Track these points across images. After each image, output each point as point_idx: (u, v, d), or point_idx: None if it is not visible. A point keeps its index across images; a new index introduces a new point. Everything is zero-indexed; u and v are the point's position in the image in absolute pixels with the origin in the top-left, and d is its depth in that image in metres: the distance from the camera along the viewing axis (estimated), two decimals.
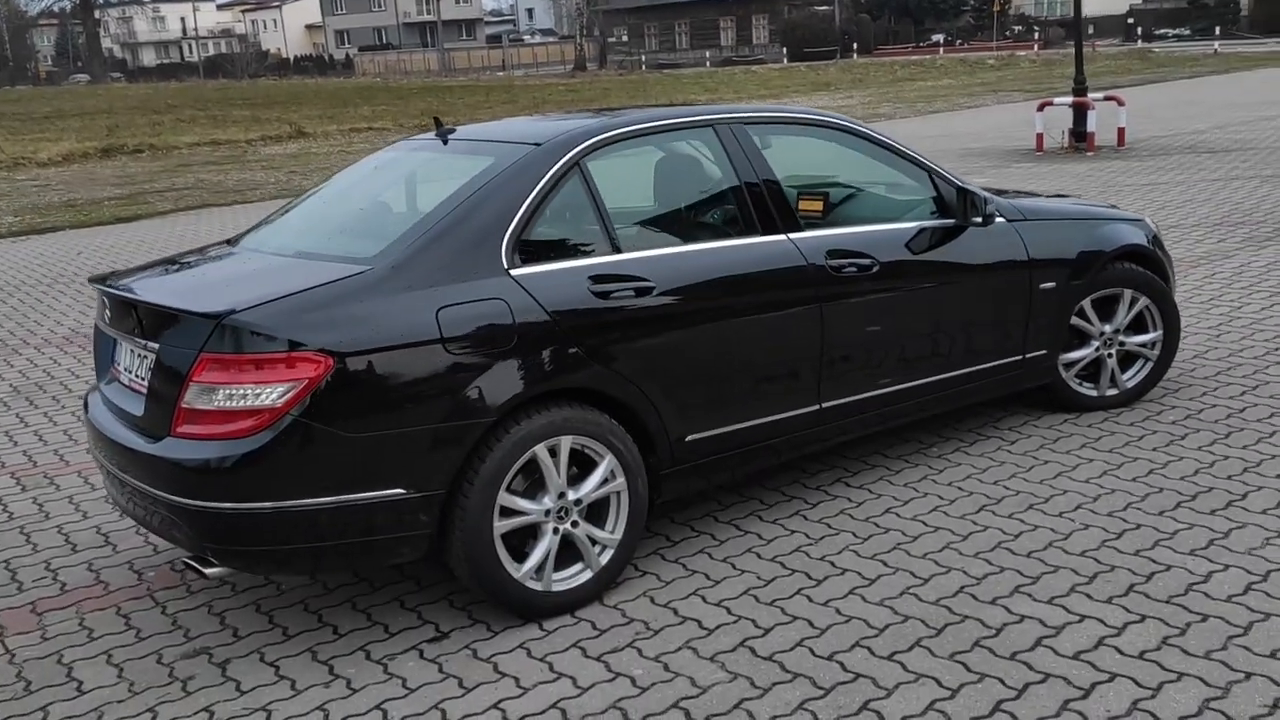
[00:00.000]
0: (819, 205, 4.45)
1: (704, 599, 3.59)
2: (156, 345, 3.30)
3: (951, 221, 4.38)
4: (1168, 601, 3.33)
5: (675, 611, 3.52)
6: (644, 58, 67.68)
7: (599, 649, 3.33)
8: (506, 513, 3.38)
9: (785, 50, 59.50)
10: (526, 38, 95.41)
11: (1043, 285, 4.58)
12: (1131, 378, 5.00)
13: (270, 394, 3.07)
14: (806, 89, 36.88)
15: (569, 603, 3.53)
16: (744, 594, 3.60)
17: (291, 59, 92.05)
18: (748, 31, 68.32)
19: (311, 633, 3.55)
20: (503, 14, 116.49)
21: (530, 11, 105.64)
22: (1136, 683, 2.94)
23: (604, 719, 2.99)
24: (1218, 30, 46.76)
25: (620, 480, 3.58)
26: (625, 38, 73.86)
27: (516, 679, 3.20)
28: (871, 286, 4.09)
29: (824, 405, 4.04)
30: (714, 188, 4.05)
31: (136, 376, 3.45)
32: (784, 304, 3.89)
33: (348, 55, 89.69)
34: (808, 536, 3.97)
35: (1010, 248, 4.49)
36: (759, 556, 3.85)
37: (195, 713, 3.15)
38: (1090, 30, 58.83)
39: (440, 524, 3.31)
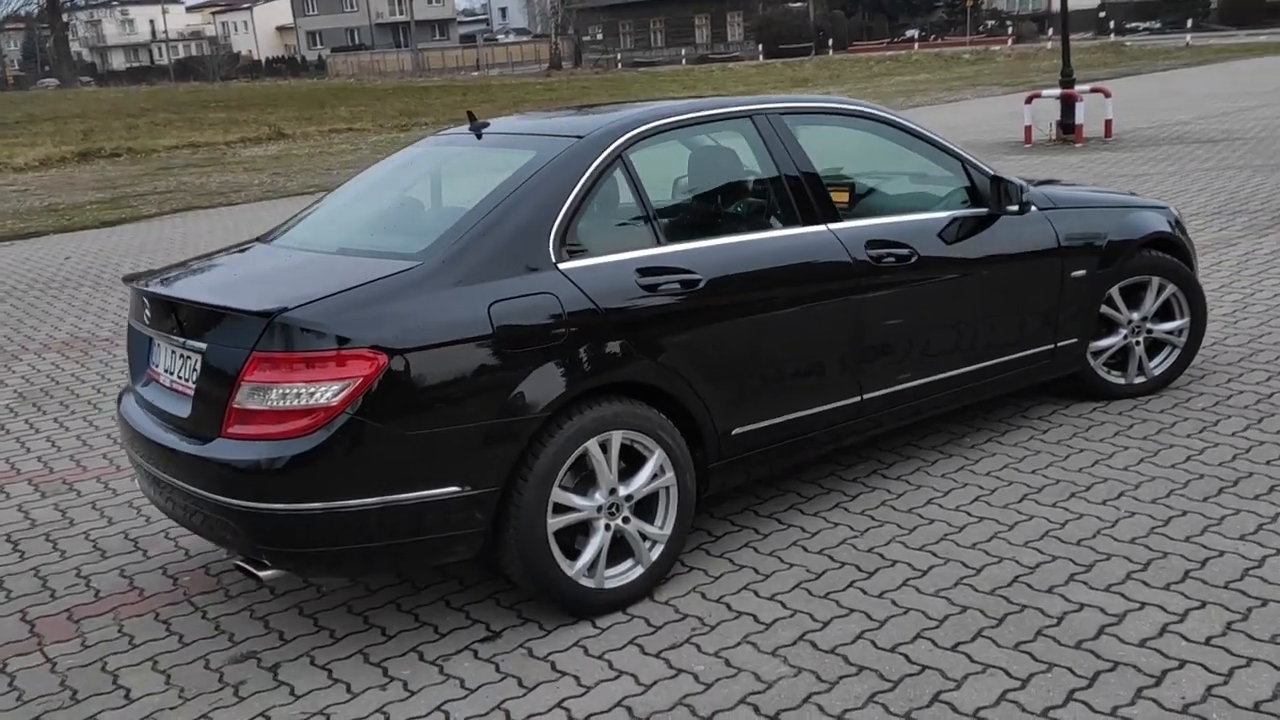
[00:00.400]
0: (846, 196, 4.42)
1: (756, 593, 3.55)
2: (203, 345, 3.23)
3: (985, 211, 4.37)
4: (1225, 587, 3.33)
5: (729, 606, 3.49)
6: (619, 56, 67.64)
7: (657, 645, 3.29)
8: (560, 509, 3.34)
9: (761, 47, 59.56)
10: (500, 37, 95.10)
11: (1074, 273, 4.58)
12: (1159, 365, 5.01)
13: (325, 392, 3.02)
14: (785, 85, 36.96)
15: (621, 599, 3.50)
16: (796, 587, 3.57)
17: (263, 61, 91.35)
18: (722, 29, 68.40)
19: (360, 635, 3.49)
20: (475, 14, 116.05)
21: (504, 11, 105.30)
22: (1207, 669, 2.93)
23: (672, 716, 2.95)
24: (1189, 23, 47.16)
25: (669, 475, 3.54)
26: (600, 36, 73.80)
27: (577, 677, 3.16)
28: (910, 276, 4.07)
29: (865, 397, 4.02)
30: (753, 179, 4.02)
31: (180, 378, 3.39)
32: (825, 295, 3.87)
33: (320, 56, 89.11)
34: (852, 529, 3.95)
35: (1042, 236, 4.48)
36: (805, 550, 3.82)
37: (252, 718, 3.09)
38: (1060, 26, 59.28)
39: (494, 522, 3.27)
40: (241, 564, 3.22)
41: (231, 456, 3.10)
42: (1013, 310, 4.42)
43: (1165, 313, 4.96)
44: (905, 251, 4.05)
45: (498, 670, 3.23)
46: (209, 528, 3.27)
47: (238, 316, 3.15)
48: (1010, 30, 56.36)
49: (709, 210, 4.04)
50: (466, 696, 3.11)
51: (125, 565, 4.14)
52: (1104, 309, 4.79)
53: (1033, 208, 4.43)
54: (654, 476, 3.51)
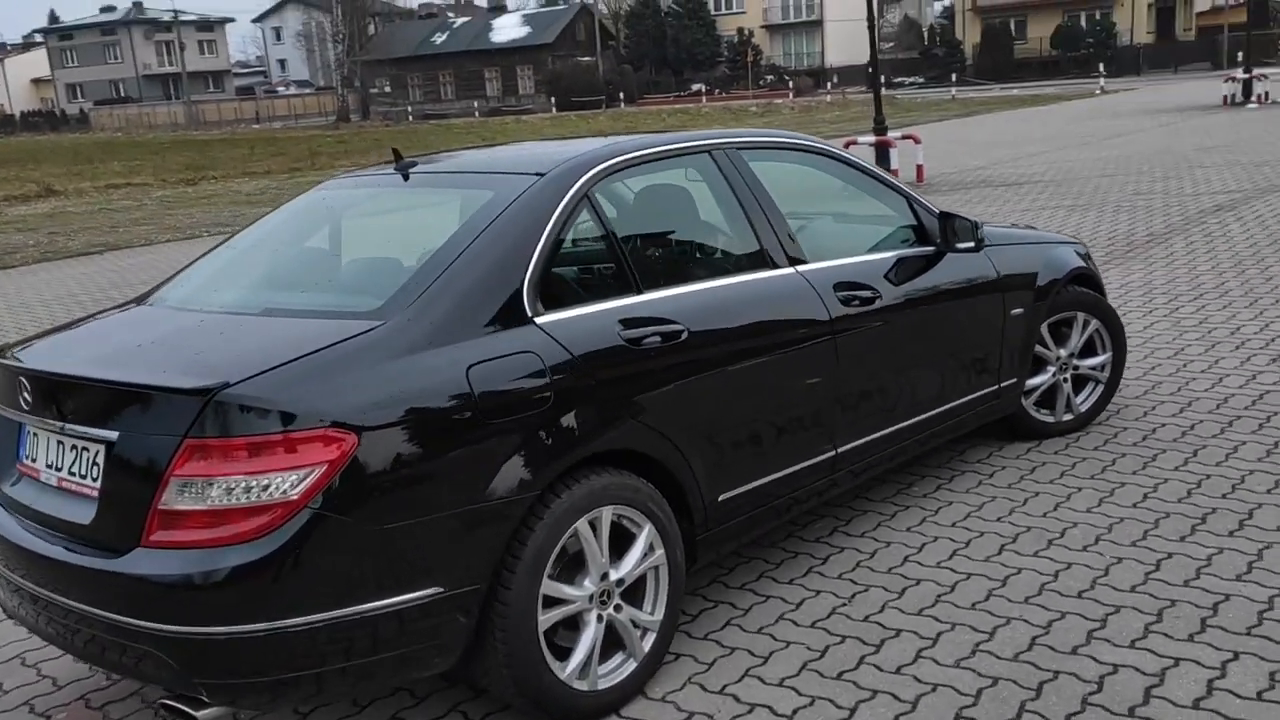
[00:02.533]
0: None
1: (761, 680, 3.17)
2: (110, 434, 2.61)
3: (934, 249, 4.19)
4: (1249, 634, 3.18)
5: (737, 699, 3.09)
6: (410, 108, 66.66)
7: None
8: (550, 603, 2.87)
9: (553, 100, 59.92)
10: (281, 89, 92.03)
11: (1013, 311, 4.46)
12: (1084, 401, 4.96)
13: (282, 484, 2.46)
14: (582, 135, 37.10)
15: (615, 701, 3.04)
16: (803, 669, 3.20)
17: (17, 115, 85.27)
18: (513, 82, 68.57)
19: None
20: (251, 65, 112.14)
21: (283, 63, 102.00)
22: None
23: None
24: (954, 77, 50.36)
25: (660, 553, 3.13)
26: (388, 88, 72.60)
27: None
28: (875, 320, 3.82)
29: (839, 450, 3.73)
30: (718, 218, 3.69)
31: (72, 474, 2.73)
32: (802, 342, 3.56)
33: (82, 110, 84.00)
34: (837, 595, 3.63)
35: (987, 273, 4.34)
36: (796, 624, 3.47)
37: None
38: (835, 79, 62.43)
39: (477, 624, 2.76)
40: (171, 703, 2.58)
41: (156, 571, 2.49)
42: (966, 351, 4.25)
43: (1088, 349, 4.92)
44: (869, 294, 3.80)
45: None
46: (120, 658, 2.62)
47: (161, 396, 2.55)
48: (790, 85, 58.73)
49: (681, 253, 3.68)
50: None
51: None
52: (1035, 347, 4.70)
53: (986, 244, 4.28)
54: (644, 555, 3.09)
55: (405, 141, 39.64)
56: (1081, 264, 4.87)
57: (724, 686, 3.15)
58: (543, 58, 66.80)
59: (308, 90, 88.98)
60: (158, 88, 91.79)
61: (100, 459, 2.65)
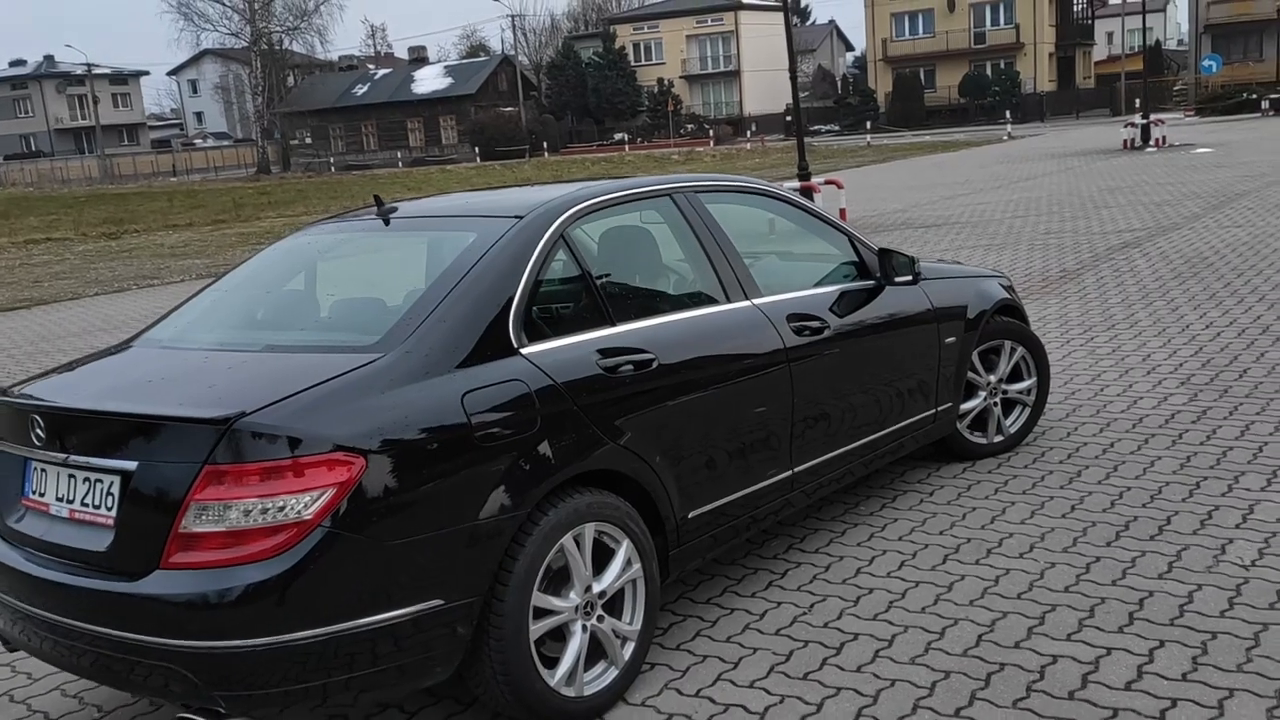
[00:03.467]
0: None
1: (733, 682, 3.40)
2: (125, 464, 2.77)
3: (874, 283, 4.51)
4: (1172, 624, 3.50)
5: (712, 700, 3.31)
6: (332, 159, 66.43)
7: None
8: (540, 614, 3.08)
9: (478, 150, 60.26)
10: (199, 142, 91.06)
11: (947, 340, 4.80)
12: (1013, 423, 5.31)
13: (296, 505, 2.65)
14: (510, 184, 37.37)
15: (599, 706, 3.25)
16: (771, 672, 3.45)
17: None
18: (436, 132, 68.82)
19: None
20: (167, 118, 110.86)
21: (199, 115, 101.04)
22: (1198, 704, 3.05)
23: None
24: (869, 125, 51.85)
25: (636, 566, 3.36)
26: (309, 139, 72.34)
27: None
28: (824, 348, 4.12)
29: (795, 470, 4.00)
30: (681, 256, 3.97)
31: (85, 505, 2.88)
32: (761, 369, 3.84)
33: None
34: (797, 605, 3.88)
35: (922, 305, 4.67)
36: (761, 633, 3.71)
37: None
38: (754, 128, 63.79)
39: (474, 635, 2.96)
40: (189, 717, 2.73)
41: (177, 590, 2.65)
42: (906, 377, 4.57)
43: (1015, 375, 5.29)
44: (818, 324, 4.10)
45: None
46: (140, 677, 2.77)
47: (180, 426, 2.73)
48: (710, 133, 59.88)
49: (648, 288, 3.94)
50: None
51: None
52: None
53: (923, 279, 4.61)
54: (624, 569, 3.32)
55: (330, 192, 39.59)
56: (1007, 296, 5.24)
57: (699, 690, 3.38)
58: (465, 108, 67.24)
59: (226, 142, 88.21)
60: (70, 141, 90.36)
61: (115, 489, 2.80)
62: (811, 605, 3.88)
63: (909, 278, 4.51)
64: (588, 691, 3.21)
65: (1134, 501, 4.53)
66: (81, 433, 2.90)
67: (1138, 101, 33.31)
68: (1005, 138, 41.69)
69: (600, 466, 3.25)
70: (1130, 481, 4.76)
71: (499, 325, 3.16)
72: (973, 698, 3.19)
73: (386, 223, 3.79)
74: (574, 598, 3.17)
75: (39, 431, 2.95)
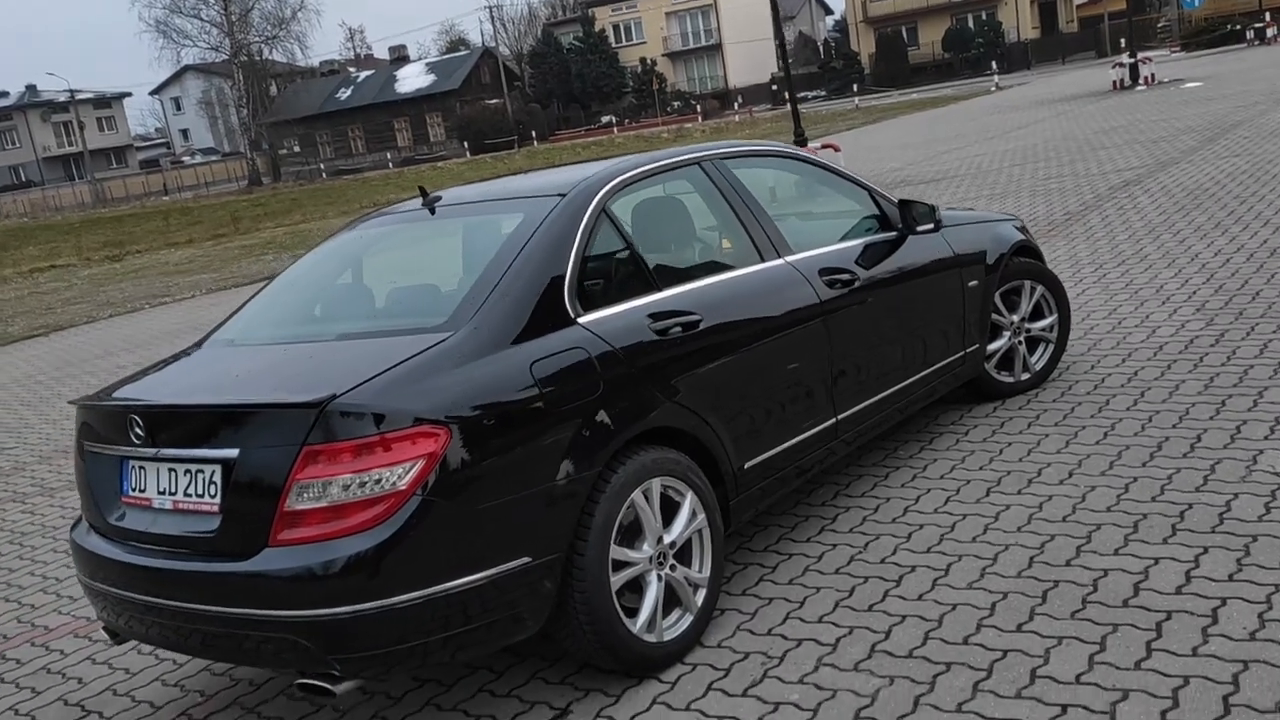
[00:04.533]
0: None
1: (802, 619, 3.58)
2: (225, 452, 2.95)
3: (896, 233, 4.67)
4: (1212, 532, 3.67)
5: (784, 637, 3.50)
6: (322, 165, 66.47)
7: (739, 685, 3.25)
8: (618, 566, 3.26)
9: (467, 145, 60.29)
10: (187, 159, 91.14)
11: (970, 284, 4.95)
12: (1038, 360, 5.48)
13: (392, 477, 2.83)
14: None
15: (678, 651, 3.43)
16: (837, 607, 3.62)
17: None
18: (423, 130, 68.81)
19: None
20: (152, 138, 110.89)
21: (185, 132, 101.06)
22: (1246, 600, 3.22)
23: None
24: (855, 87, 51.81)
25: (701, 517, 3.53)
26: (297, 148, 72.39)
27: None
28: (856, 299, 4.28)
29: (838, 418, 4.17)
30: (714, 220, 4.13)
31: (188, 495, 3.06)
32: (799, 322, 4.00)
33: None
34: (852, 546, 4.06)
35: (944, 252, 4.83)
36: (822, 573, 3.89)
37: None
38: (740, 100, 63.77)
39: (559, 589, 3.14)
40: (308, 682, 2.91)
41: (288, 565, 2.83)
42: (934, 322, 4.73)
43: (1036, 313, 5.44)
44: (848, 276, 4.26)
45: None
46: (255, 650, 2.95)
47: (277, 412, 2.90)
48: (698, 108, 59.86)
49: (687, 252, 4.11)
50: None
51: None
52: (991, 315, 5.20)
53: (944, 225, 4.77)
54: (690, 520, 3.49)
55: (325, 198, 39.74)
56: (1023, 237, 5.40)
57: (770, 629, 3.56)
58: (451, 104, 67.23)
59: (214, 157, 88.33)
60: (59, 169, 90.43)
61: (217, 478, 2.98)
62: (865, 545, 4.05)
63: (930, 225, 4.66)
64: (667, 637, 3.39)
65: (1163, 424, 4.70)
66: (180, 428, 3.07)
67: (1123, 41, 33.32)
68: (993, 89, 41.69)
69: (660, 424, 3.42)
70: (1158, 405, 4.93)
71: (555, 297, 3.33)
72: (1032, 613, 3.36)
73: (432, 211, 3.95)
74: (647, 549, 3.35)
75: (138, 430, 3.13)
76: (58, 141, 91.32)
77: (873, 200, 4.71)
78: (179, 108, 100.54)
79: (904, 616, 3.48)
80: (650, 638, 3.34)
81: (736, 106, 59.96)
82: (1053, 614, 3.34)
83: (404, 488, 2.83)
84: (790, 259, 4.11)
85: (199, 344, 3.85)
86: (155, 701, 3.78)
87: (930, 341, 4.71)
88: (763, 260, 4.04)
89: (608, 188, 3.69)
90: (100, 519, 3.33)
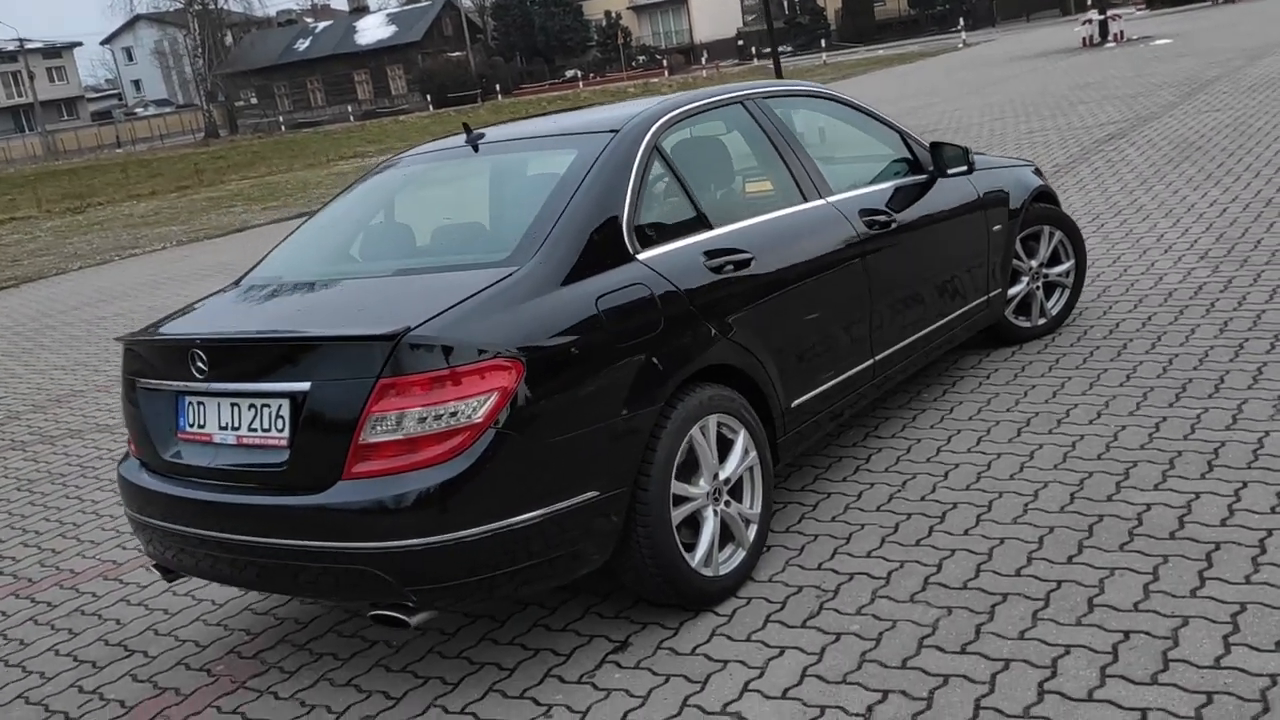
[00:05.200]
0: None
1: (851, 555, 3.62)
2: (295, 386, 2.92)
3: (926, 176, 4.68)
4: (1249, 468, 3.75)
5: (835, 571, 3.54)
6: (280, 118, 65.34)
7: (797, 617, 3.29)
8: (678, 501, 3.27)
9: (429, 98, 59.49)
10: (140, 111, 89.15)
11: (994, 228, 4.99)
12: (1054, 305, 5.54)
13: (468, 409, 2.82)
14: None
15: (732, 585, 3.46)
16: (884, 542, 3.67)
17: None
18: (384, 83, 67.76)
19: (477, 676, 3.25)
20: (103, 89, 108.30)
21: (138, 83, 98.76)
22: None
23: (864, 674, 2.96)
24: (824, 43, 51.64)
25: (753, 454, 3.55)
26: (254, 100, 71.05)
27: (743, 662, 3.10)
28: (893, 240, 4.29)
29: (875, 358, 4.20)
30: (759, 160, 4.12)
31: (253, 430, 3.03)
32: (842, 262, 4.02)
33: None
34: (889, 485, 4.10)
35: (971, 195, 4.85)
36: (863, 510, 3.93)
37: None
38: (705, 55, 63.33)
39: (624, 522, 3.16)
40: (384, 613, 2.91)
41: (364, 498, 2.82)
42: (963, 265, 4.76)
43: (1054, 259, 5.49)
44: (885, 218, 4.27)
45: (654, 674, 3.12)
46: (327, 582, 2.94)
47: (350, 345, 2.87)
48: (664, 63, 59.41)
49: (735, 191, 4.10)
50: (644, 704, 2.98)
51: (131, 670, 3.62)
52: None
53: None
54: (743, 457, 3.51)
55: (289, 151, 39.16)
56: (1042, 183, 5.43)
57: (820, 564, 3.60)
58: (412, 56, 66.20)
59: (168, 109, 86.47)
60: (8, 120, 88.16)
61: (285, 411, 2.95)
62: (903, 483, 4.10)
63: (964, 168, 4.68)
64: (722, 571, 3.42)
65: (1184, 366, 4.77)
66: (246, 361, 3.04)
67: (1089, 0, 33.35)
68: (960, 45, 41.72)
69: (716, 361, 3.43)
70: (1176, 349, 5.00)
71: (615, 234, 3.31)
72: (1081, 546, 3.42)
73: (475, 149, 3.91)
74: (704, 485, 3.37)
75: (200, 365, 3.08)
76: (6, 93, 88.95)
77: (904, 142, 4.72)
78: (131, 58, 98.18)
79: (953, 550, 3.53)
80: (707, 571, 3.36)
81: (704, 61, 59.54)
82: (1101, 547, 3.40)
83: (480, 420, 2.82)
84: (831, 199, 4.11)
85: (237, 282, 3.80)
86: (200, 641, 3.76)
87: (959, 284, 4.75)
88: (805, 200, 4.04)
89: (659, 124, 3.66)
90: (154, 455, 3.29)
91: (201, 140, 62.09)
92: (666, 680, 3.07)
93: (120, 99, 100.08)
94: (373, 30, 71.03)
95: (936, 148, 4.69)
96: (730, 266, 3.55)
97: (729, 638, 3.24)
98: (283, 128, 62.11)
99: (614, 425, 3.08)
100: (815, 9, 65.06)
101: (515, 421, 2.87)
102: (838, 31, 61.83)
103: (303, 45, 72.64)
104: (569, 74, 63.64)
